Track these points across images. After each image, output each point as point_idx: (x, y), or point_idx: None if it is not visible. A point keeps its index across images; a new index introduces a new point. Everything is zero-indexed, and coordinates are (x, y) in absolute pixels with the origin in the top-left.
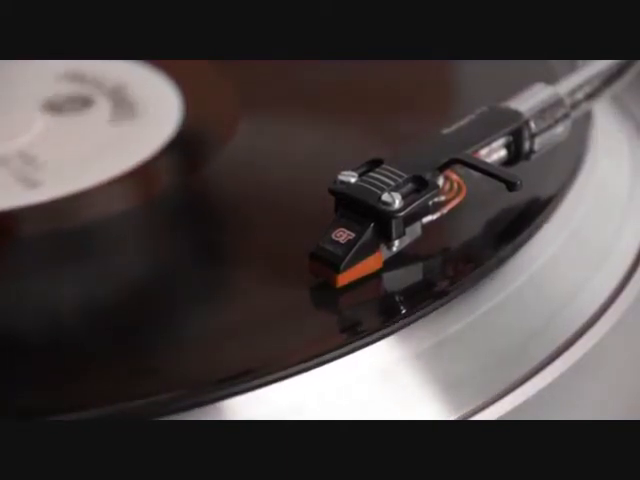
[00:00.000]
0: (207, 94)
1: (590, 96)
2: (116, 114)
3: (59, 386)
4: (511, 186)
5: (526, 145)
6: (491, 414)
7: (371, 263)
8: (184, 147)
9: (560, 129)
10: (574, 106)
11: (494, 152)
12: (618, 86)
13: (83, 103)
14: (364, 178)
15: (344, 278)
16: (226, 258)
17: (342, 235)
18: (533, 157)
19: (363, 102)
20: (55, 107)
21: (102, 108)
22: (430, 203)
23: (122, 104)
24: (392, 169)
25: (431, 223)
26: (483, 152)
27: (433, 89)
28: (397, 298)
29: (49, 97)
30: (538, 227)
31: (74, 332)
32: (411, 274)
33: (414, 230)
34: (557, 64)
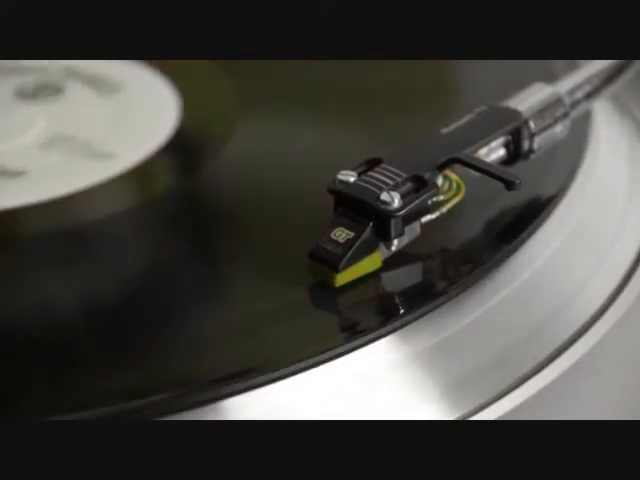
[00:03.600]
0: (205, 94)
1: (589, 95)
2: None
3: (59, 386)
4: (510, 185)
5: (525, 144)
6: (491, 414)
7: (370, 262)
8: (182, 147)
9: (559, 128)
10: (573, 105)
11: (493, 151)
12: (617, 85)
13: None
14: (363, 177)
15: (343, 277)
16: (225, 258)
17: (341, 234)
18: (532, 156)
19: (363, 102)
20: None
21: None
22: (429, 202)
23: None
24: (391, 168)
25: (430, 222)
26: (482, 151)
27: (433, 89)
28: (396, 298)
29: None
30: (538, 227)
31: (73, 332)
32: (410, 274)
33: (413, 229)
34: (556, 64)
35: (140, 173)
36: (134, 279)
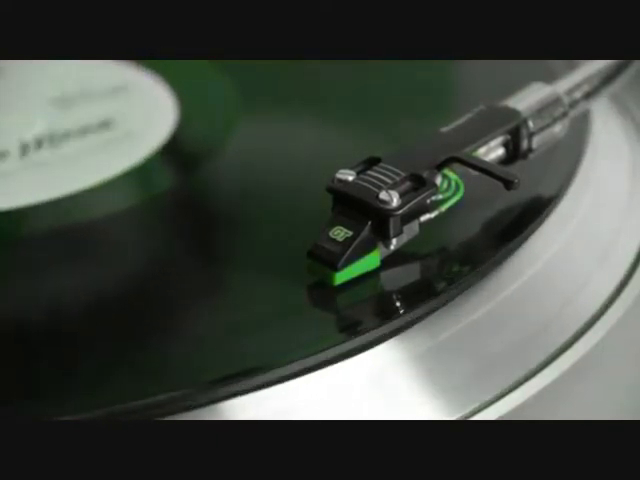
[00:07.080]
0: (205, 94)
1: (588, 95)
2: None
3: (59, 386)
4: (509, 185)
5: (524, 144)
6: (491, 414)
7: (368, 262)
8: (181, 148)
9: (558, 128)
10: (572, 105)
11: (492, 151)
12: (616, 85)
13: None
14: (362, 176)
15: (341, 276)
16: (224, 258)
17: (340, 233)
18: (531, 156)
19: (363, 102)
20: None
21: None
22: (428, 201)
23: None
24: (390, 167)
25: (429, 222)
26: (481, 151)
27: (433, 89)
28: (395, 297)
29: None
30: (537, 227)
31: (74, 332)
32: (409, 273)
33: (412, 229)
34: (556, 63)
35: (138, 174)
36: (133, 280)
